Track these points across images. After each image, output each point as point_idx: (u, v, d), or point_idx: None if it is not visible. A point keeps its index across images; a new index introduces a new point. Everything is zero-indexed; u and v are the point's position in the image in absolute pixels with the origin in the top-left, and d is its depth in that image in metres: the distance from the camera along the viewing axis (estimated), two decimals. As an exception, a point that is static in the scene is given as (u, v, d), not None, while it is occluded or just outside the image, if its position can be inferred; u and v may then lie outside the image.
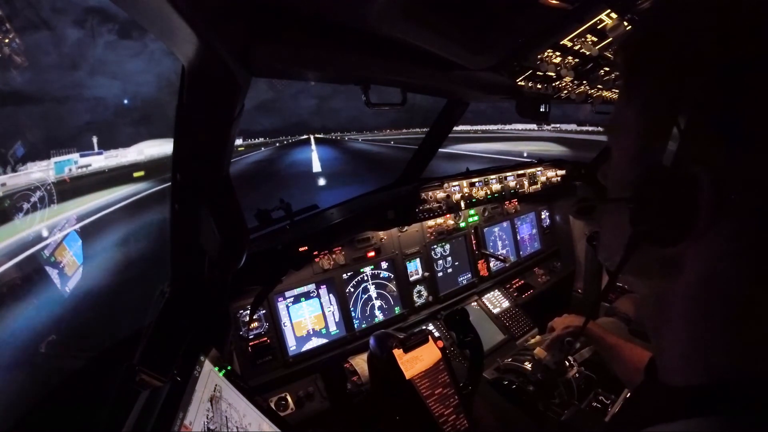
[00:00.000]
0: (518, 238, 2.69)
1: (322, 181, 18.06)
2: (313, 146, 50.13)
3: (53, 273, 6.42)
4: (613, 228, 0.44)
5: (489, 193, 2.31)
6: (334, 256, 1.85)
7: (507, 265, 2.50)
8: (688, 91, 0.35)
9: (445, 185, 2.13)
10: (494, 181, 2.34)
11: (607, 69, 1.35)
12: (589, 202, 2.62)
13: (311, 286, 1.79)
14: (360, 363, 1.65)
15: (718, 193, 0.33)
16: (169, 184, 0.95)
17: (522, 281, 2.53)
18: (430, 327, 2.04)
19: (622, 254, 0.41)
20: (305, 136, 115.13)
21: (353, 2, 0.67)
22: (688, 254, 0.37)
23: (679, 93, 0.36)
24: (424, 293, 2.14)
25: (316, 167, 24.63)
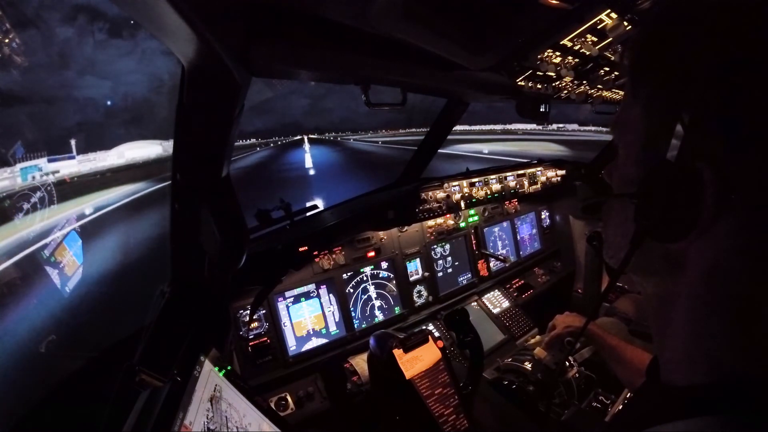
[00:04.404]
0: (518, 238, 2.69)
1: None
2: (308, 156, 33.80)
3: (53, 273, 6.40)
4: (618, 225, 0.45)
5: (489, 193, 2.31)
6: (334, 256, 1.85)
7: (507, 265, 2.50)
8: (690, 90, 0.35)
9: (445, 185, 2.13)
10: (494, 181, 2.34)
11: (607, 69, 1.35)
12: (594, 198, 2.62)
13: (311, 286, 1.79)
14: (360, 363, 1.65)
15: (720, 189, 0.34)
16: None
17: (522, 281, 2.53)
18: (430, 327, 2.04)
19: (626, 250, 0.41)
20: (299, 137, 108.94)
21: (353, 2, 0.67)
22: (691, 251, 0.37)
23: (680, 92, 0.36)
24: (424, 293, 2.14)
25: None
